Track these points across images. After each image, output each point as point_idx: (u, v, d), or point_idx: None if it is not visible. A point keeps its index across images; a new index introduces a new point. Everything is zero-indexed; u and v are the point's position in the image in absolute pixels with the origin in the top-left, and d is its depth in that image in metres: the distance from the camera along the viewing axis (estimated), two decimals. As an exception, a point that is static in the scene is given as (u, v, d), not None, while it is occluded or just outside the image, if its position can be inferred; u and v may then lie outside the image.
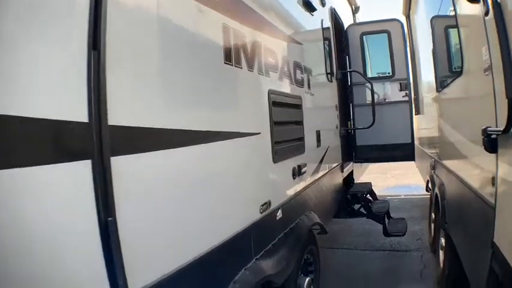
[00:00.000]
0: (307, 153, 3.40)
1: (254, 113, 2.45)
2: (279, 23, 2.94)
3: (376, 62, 6.16)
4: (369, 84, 5.29)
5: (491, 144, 1.96)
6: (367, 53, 5.85)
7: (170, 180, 1.58)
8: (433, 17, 4.22)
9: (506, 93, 1.69)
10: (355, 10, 7.26)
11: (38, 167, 1.07)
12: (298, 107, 3.30)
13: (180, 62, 1.66)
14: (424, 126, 5.88)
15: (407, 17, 6.69)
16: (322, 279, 3.83)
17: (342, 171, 5.19)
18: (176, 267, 1.56)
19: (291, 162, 3.04)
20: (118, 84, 1.30)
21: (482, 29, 2.03)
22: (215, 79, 1.97)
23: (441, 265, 3.99)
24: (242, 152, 2.23)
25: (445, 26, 3.75)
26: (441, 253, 4.09)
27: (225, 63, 2.01)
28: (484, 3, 1.93)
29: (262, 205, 2.41)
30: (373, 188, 5.89)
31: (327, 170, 4.31)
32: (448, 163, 3.78)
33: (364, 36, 5.80)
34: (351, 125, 5.81)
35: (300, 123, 3.33)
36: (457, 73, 3.06)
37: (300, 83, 3.37)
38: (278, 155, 2.72)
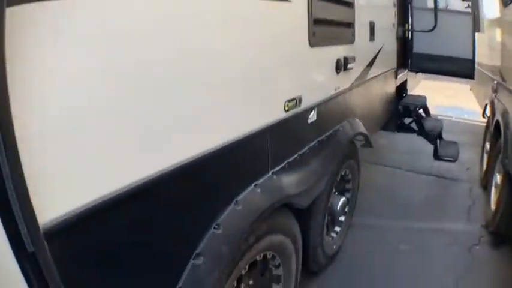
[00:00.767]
0: (357, 45, 2.61)
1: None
2: None
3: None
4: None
5: None
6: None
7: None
8: None
9: None
10: None
11: None
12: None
13: None
14: (485, 44, 5.09)
15: None
16: (359, 200, 3.26)
17: (396, 78, 4.39)
18: (138, 179, 1.00)
19: (335, 52, 2.28)
20: None
21: None
22: None
23: (493, 206, 3.34)
24: (260, 23, 1.51)
25: None
26: (494, 191, 3.44)
27: None
28: None
29: (289, 101, 1.73)
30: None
31: (379, 73, 3.50)
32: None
33: None
34: (409, 26, 4.88)
35: (350, 4, 2.49)
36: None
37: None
38: (317, 38, 1.96)
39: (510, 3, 3.44)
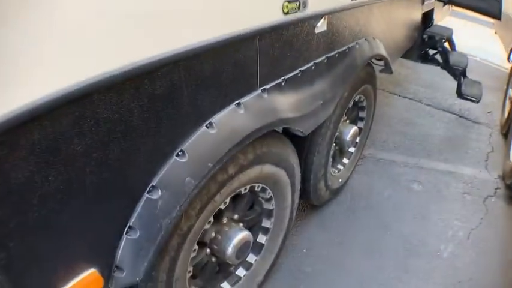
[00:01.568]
0: None
1: None
2: None
3: None
4: None
5: None
6: None
7: None
8: None
9: None
10: None
11: None
12: None
13: None
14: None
15: None
16: (373, 132, 2.95)
17: (422, 4, 3.84)
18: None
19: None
20: None
21: None
22: None
23: None
24: None
25: None
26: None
27: None
28: None
29: (289, 1, 1.35)
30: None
31: (407, -10, 2.99)
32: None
33: None
34: None
35: None
36: None
37: None
38: None
39: None
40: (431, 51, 4.22)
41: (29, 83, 0.70)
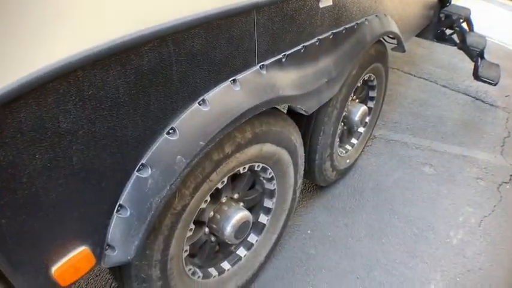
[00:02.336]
0: None
1: None
2: None
3: None
4: None
5: None
6: None
7: None
8: None
9: None
10: None
11: None
12: None
13: None
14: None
15: None
16: (385, 112, 2.86)
17: None
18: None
19: None
20: None
21: None
22: None
23: None
24: None
25: None
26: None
27: None
28: None
29: (291, -27, 1.29)
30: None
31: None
32: None
33: None
34: None
35: None
36: None
37: None
38: None
39: None
40: (448, 31, 4.08)
41: (12, 61, 0.68)
